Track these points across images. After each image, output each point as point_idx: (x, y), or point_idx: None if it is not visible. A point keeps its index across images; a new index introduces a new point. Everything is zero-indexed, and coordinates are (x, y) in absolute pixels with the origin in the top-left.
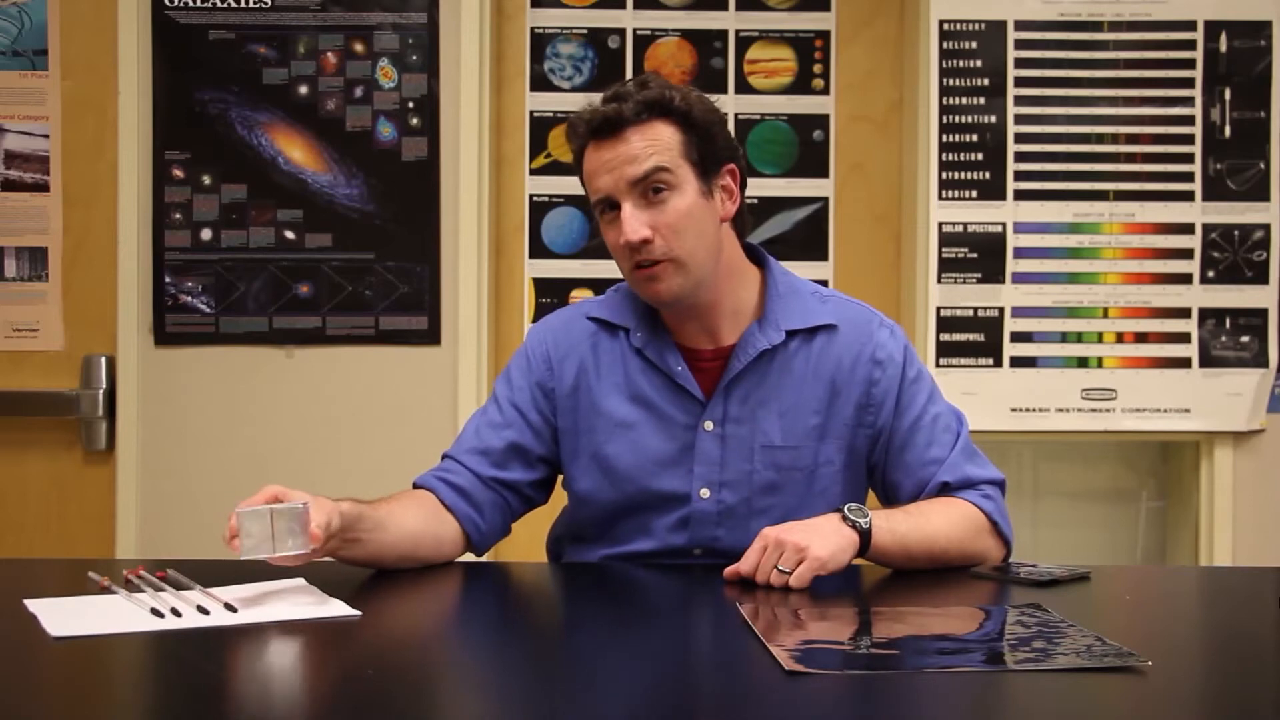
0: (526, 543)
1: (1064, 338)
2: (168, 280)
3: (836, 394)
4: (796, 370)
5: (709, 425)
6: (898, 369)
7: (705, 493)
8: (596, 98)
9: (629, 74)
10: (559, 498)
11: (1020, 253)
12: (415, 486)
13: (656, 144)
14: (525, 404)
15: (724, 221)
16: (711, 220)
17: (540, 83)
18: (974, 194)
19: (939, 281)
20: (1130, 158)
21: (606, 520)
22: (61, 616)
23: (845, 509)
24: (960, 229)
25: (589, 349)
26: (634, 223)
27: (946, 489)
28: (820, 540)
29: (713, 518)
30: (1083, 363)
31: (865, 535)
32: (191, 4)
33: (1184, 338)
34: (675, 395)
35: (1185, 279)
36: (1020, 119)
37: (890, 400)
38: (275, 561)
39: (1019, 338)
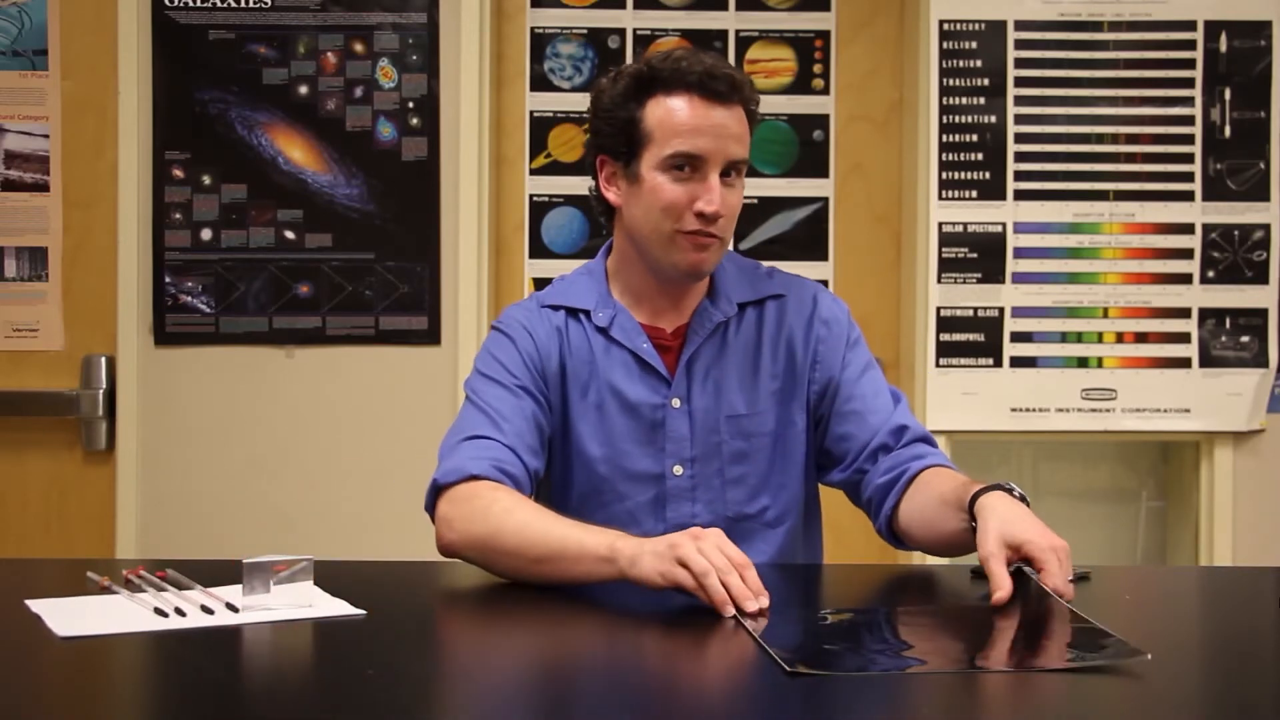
0: None
1: (1064, 338)
2: (168, 280)
3: (793, 356)
4: (752, 339)
5: (675, 403)
6: (843, 328)
7: (678, 470)
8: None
9: None
10: None
11: (1020, 253)
12: (475, 477)
13: (746, 134)
14: (529, 382)
15: None
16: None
17: (540, 83)
18: (974, 194)
19: (939, 281)
20: (1130, 158)
21: (578, 510)
22: (66, 617)
23: (1008, 486)
24: (960, 229)
25: (564, 328)
26: (718, 195)
27: (904, 432)
28: (1048, 531)
29: (687, 494)
30: (1083, 363)
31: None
32: (191, 4)
33: (1184, 338)
34: (642, 374)
35: (1185, 279)
36: (1020, 119)
37: (836, 356)
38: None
39: (1019, 338)
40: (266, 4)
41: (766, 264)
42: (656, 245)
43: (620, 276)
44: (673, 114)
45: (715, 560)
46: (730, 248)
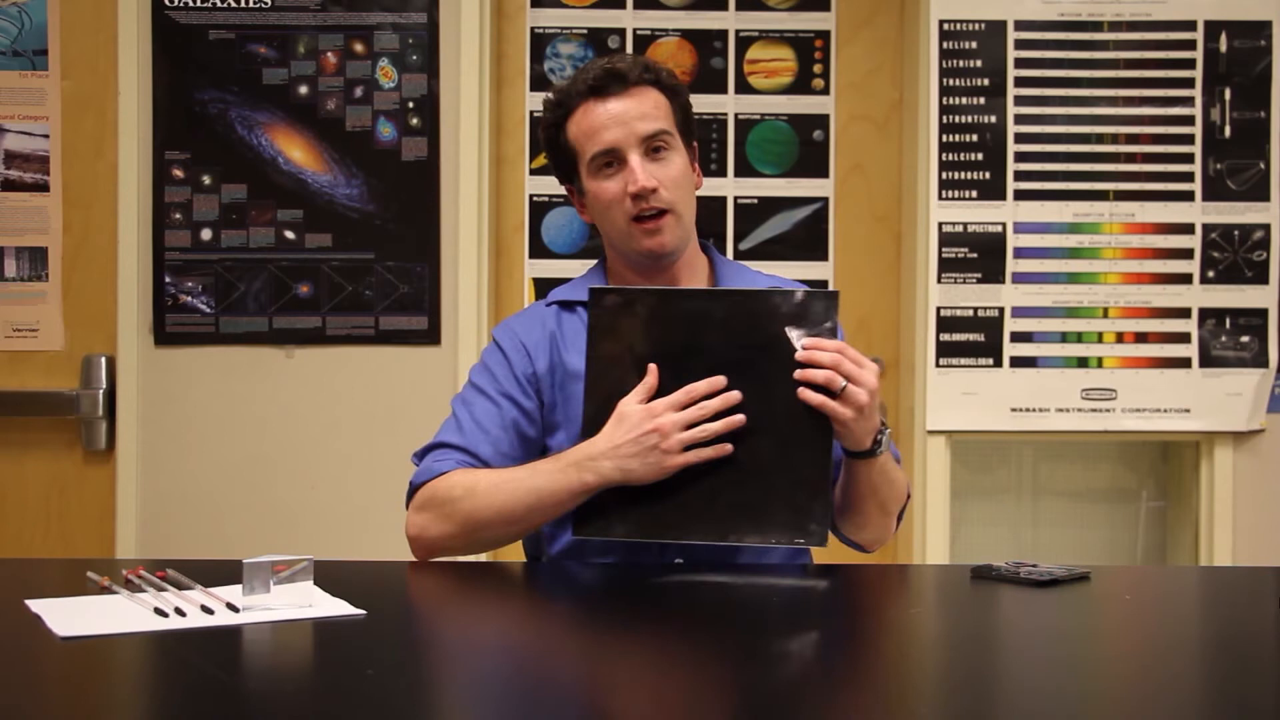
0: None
1: (1064, 338)
2: (168, 280)
3: None
4: None
5: None
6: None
7: None
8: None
9: None
10: None
11: (1020, 253)
12: (419, 485)
13: (658, 107)
14: (517, 393)
15: (696, 189)
16: (693, 185)
17: (540, 83)
18: (974, 194)
19: (939, 281)
20: (1130, 158)
21: None
22: (66, 617)
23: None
24: (960, 229)
25: (555, 325)
26: (641, 172)
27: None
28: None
29: None
30: (1083, 363)
31: (883, 432)
32: (191, 4)
33: (1184, 338)
34: None
35: (1185, 279)
36: (1020, 119)
37: None
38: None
39: (1019, 338)
40: (266, 4)
41: (755, 263)
42: (621, 242)
43: (616, 274)
44: (579, 125)
45: (695, 431)
46: (728, 252)
